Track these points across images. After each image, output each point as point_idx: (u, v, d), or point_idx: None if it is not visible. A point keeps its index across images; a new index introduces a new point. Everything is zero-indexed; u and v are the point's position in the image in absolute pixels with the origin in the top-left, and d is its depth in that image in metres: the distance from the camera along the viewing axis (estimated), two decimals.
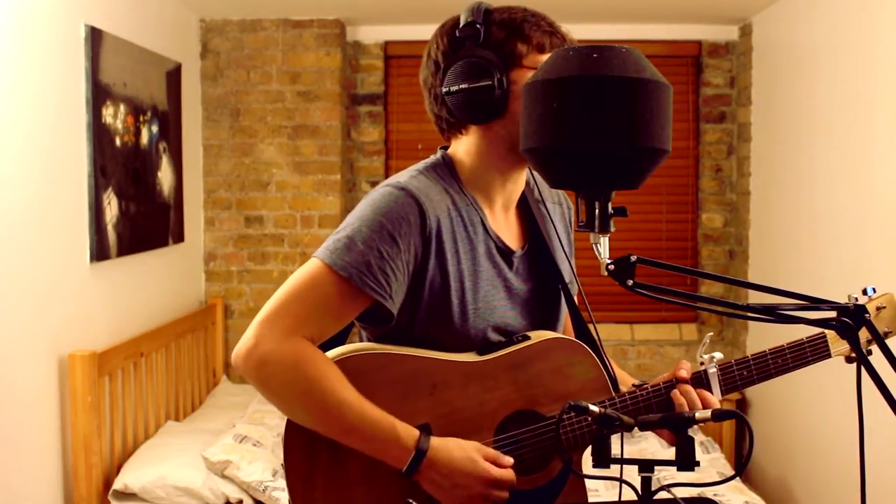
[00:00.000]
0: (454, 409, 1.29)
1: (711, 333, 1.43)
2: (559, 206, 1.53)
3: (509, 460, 1.28)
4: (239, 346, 1.23)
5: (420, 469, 1.22)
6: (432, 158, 1.38)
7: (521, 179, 1.40)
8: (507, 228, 1.40)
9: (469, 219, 1.33)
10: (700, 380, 1.35)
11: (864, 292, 1.34)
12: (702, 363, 1.36)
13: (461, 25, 1.31)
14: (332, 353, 1.30)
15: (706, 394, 1.32)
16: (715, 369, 1.35)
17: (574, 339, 1.39)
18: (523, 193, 1.44)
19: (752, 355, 1.37)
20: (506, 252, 1.37)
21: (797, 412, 3.43)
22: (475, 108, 1.29)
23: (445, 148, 1.41)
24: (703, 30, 4.12)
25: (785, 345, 1.36)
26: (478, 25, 1.30)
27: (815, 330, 1.33)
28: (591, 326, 1.42)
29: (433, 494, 1.26)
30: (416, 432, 1.23)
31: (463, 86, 1.28)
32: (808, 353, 1.36)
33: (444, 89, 1.31)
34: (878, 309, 1.36)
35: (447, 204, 1.31)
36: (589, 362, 1.35)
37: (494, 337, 1.34)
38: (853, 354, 1.28)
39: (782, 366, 1.36)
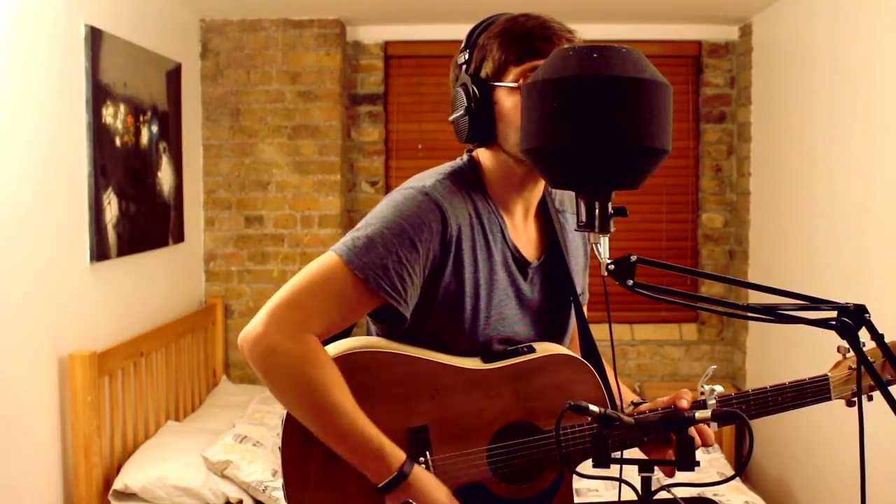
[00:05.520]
0: (453, 413, 1.30)
1: (715, 367, 1.41)
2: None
3: None
4: (248, 330, 1.22)
5: (395, 490, 1.24)
6: (458, 162, 1.38)
7: (537, 188, 1.39)
8: (525, 238, 1.39)
9: (489, 227, 1.33)
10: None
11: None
12: (702, 393, 1.33)
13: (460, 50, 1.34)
14: (341, 347, 1.29)
15: (704, 427, 1.31)
16: (714, 401, 1.32)
17: (578, 356, 1.38)
18: (544, 201, 1.43)
19: (752, 390, 1.36)
20: (522, 262, 1.36)
21: (797, 412, 3.42)
22: (466, 136, 1.32)
23: (471, 150, 1.40)
24: (703, 30, 4.13)
25: (787, 382, 1.35)
26: (465, 52, 1.32)
27: (819, 372, 1.33)
28: (610, 334, 1.41)
29: None
30: (403, 455, 1.25)
31: (452, 116, 1.34)
32: (809, 392, 1.35)
33: (450, 118, 1.36)
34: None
35: (469, 211, 1.31)
36: (591, 382, 1.35)
37: (501, 345, 1.34)
38: (854, 399, 1.27)
39: (781, 403, 1.36)
